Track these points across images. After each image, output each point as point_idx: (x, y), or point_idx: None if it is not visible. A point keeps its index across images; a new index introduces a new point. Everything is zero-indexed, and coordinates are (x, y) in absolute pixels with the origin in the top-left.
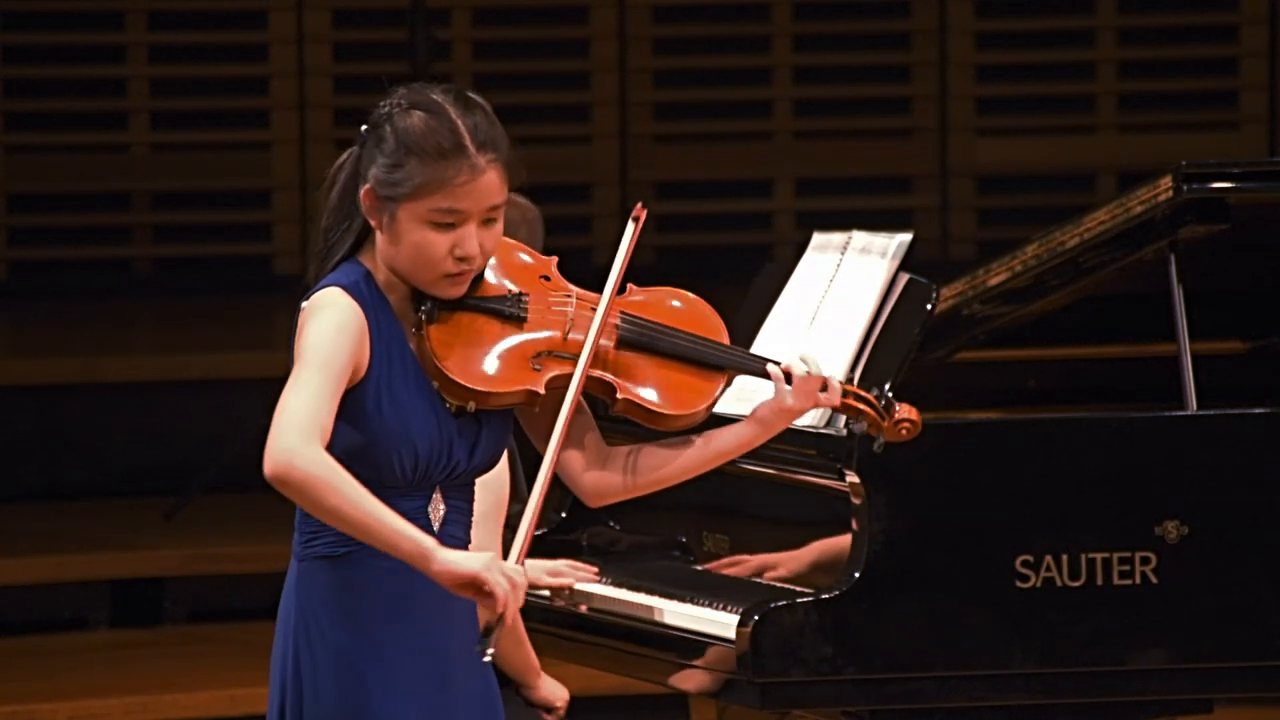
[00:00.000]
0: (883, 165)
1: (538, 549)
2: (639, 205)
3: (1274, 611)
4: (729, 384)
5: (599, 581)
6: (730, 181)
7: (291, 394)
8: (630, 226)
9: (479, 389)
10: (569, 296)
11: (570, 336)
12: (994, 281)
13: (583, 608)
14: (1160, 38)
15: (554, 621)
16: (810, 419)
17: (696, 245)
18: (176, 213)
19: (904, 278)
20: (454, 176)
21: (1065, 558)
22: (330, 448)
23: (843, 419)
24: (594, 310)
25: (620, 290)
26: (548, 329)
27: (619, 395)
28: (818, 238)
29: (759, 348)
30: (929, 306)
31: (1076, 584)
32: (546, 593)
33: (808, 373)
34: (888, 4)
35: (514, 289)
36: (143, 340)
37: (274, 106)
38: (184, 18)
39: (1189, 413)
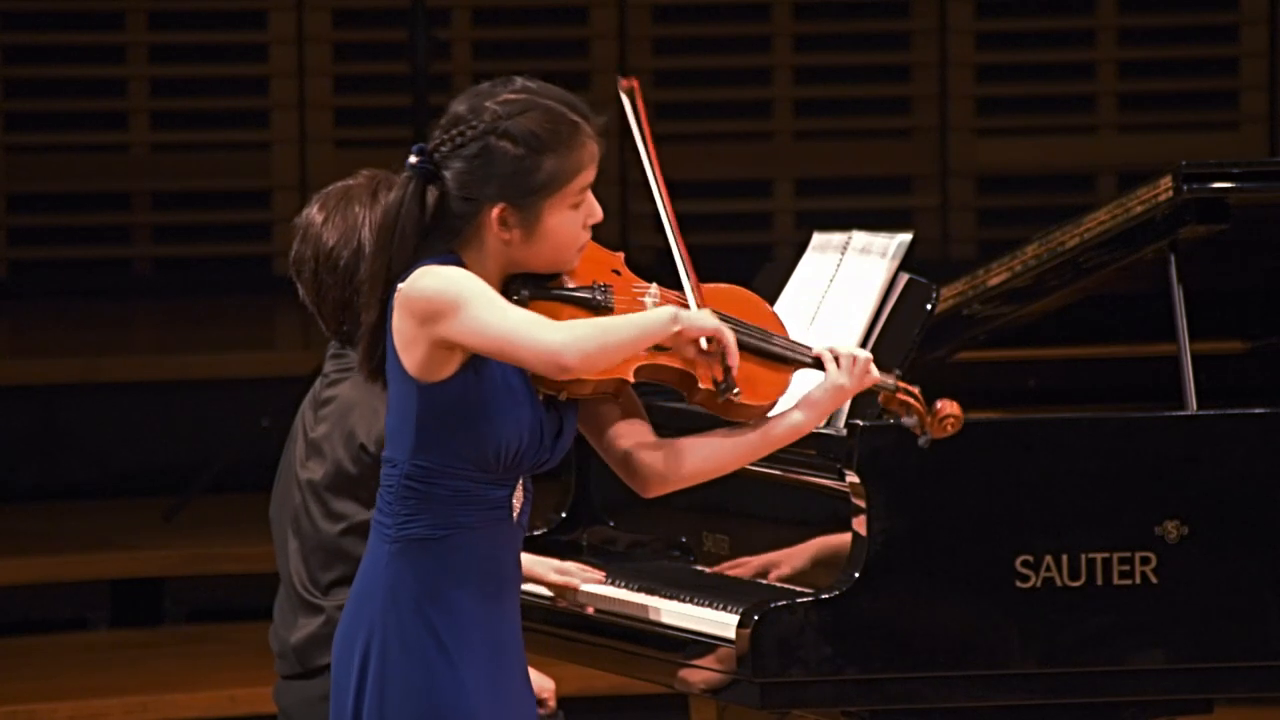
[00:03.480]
0: (883, 165)
1: (538, 549)
2: (622, 81)
3: (1274, 611)
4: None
5: (602, 583)
6: (730, 181)
7: (500, 315)
8: (626, 102)
9: (574, 378)
10: (648, 286)
11: None
12: (994, 281)
13: (584, 608)
14: (1160, 38)
15: (554, 621)
16: None
17: (696, 245)
18: (176, 213)
19: (904, 278)
20: (587, 151)
21: (1065, 558)
22: (437, 439)
23: (842, 419)
24: (678, 298)
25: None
26: None
27: (701, 386)
28: (818, 238)
29: None
30: (929, 306)
31: (1076, 584)
32: (548, 593)
33: (853, 356)
34: (888, 4)
35: (597, 281)
36: (143, 340)
37: (274, 106)
38: (184, 18)
39: (1189, 413)
